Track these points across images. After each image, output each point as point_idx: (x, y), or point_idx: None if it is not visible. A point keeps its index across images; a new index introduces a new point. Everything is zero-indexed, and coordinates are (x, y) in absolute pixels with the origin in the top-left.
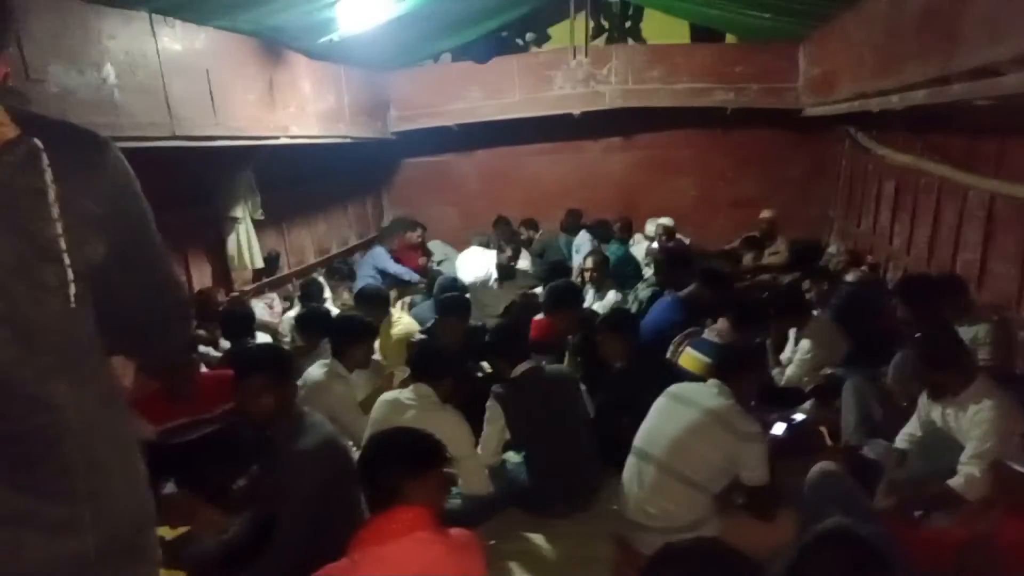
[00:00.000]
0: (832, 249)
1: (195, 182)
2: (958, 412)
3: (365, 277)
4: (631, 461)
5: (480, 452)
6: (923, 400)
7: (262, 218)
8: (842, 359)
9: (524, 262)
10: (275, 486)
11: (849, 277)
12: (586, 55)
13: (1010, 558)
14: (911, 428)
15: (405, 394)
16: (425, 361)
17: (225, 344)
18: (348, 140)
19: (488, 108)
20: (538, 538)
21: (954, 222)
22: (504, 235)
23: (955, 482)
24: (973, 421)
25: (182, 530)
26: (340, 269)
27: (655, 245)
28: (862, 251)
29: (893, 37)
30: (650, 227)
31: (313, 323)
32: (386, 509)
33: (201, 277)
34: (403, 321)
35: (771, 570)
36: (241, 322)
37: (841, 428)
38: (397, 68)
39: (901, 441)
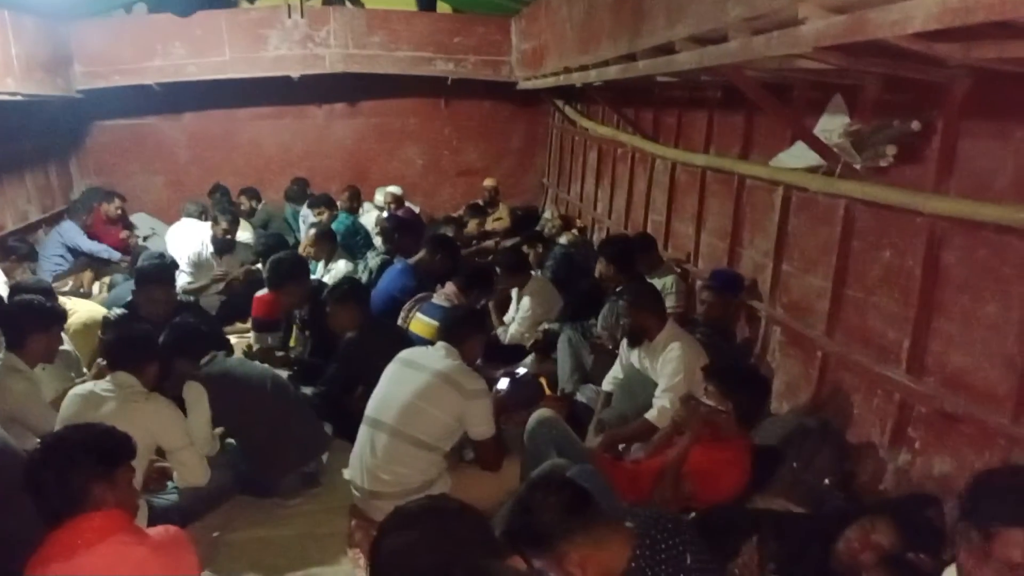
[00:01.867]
0: (547, 215)
1: None
2: (652, 354)
3: (52, 257)
4: (363, 430)
5: (194, 441)
6: (623, 346)
7: None
8: (558, 315)
9: (245, 234)
10: None
11: (562, 240)
12: (302, 15)
13: (695, 479)
14: (615, 371)
15: (101, 385)
16: (122, 347)
17: None
18: (20, 98)
19: (195, 67)
20: (269, 522)
21: (645, 187)
22: (220, 205)
23: (650, 414)
24: (664, 360)
25: None
26: (17, 248)
27: (384, 214)
28: (572, 216)
29: (591, 16)
30: (379, 196)
31: None
32: (71, 518)
33: None
34: (83, 308)
35: (497, 519)
36: None
37: (558, 377)
38: (81, 17)
39: (607, 384)
